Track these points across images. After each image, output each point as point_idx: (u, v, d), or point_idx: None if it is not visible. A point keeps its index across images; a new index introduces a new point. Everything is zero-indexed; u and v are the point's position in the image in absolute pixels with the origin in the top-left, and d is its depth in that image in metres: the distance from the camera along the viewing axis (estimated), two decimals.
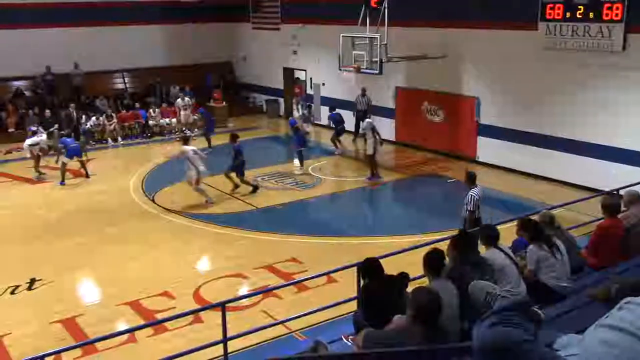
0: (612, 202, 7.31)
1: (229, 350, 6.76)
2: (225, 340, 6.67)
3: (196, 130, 21.70)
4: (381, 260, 6.12)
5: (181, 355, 6.56)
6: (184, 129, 21.69)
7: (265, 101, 25.33)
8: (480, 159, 16.84)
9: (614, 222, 7.05)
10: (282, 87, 24.46)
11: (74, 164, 16.39)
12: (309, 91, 23.06)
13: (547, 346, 2.76)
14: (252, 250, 11.41)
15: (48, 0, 21.81)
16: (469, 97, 17.07)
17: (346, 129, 19.12)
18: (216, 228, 12.72)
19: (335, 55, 17.45)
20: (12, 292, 9.92)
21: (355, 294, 7.18)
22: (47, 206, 14.30)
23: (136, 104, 22.43)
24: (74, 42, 21.89)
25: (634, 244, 6.98)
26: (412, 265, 6.43)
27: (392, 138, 19.01)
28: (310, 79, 22.86)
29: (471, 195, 9.79)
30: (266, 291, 9.12)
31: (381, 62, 15.73)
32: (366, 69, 16.12)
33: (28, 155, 16.63)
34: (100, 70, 23.12)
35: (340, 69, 17.26)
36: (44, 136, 16.83)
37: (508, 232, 7.32)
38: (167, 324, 8.18)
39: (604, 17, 13.20)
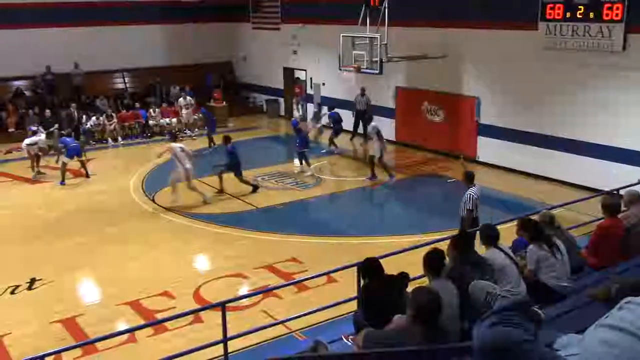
0: (612, 202, 7.32)
1: (229, 350, 6.76)
2: (225, 340, 6.67)
3: (196, 130, 21.70)
4: (381, 260, 6.13)
5: (181, 355, 6.56)
6: (185, 128, 21.70)
7: (266, 101, 25.33)
8: (481, 159, 16.85)
9: (614, 222, 7.05)
10: (282, 87, 24.46)
11: (74, 163, 16.40)
12: (309, 91, 23.06)
13: (547, 346, 2.76)
14: (252, 250, 11.41)
15: (48, 0, 21.81)
16: (469, 97, 17.07)
17: (344, 128, 19.11)
18: (216, 228, 12.72)
19: (335, 55, 17.46)
20: (12, 292, 9.92)
21: (355, 294, 7.18)
22: (47, 206, 14.30)
23: (136, 103, 22.45)
24: (74, 42, 21.89)
25: (634, 244, 6.98)
26: (412, 265, 6.43)
27: (392, 138, 19.00)
28: (311, 78, 22.86)
29: (470, 194, 9.79)
30: (266, 291, 9.12)
31: (381, 62, 15.73)
32: (366, 68, 16.12)
33: (26, 154, 16.63)
34: (101, 70, 23.12)
35: (340, 69, 17.26)
36: (42, 136, 16.83)
37: (508, 232, 7.32)
38: (167, 324, 8.18)
39: (604, 17, 13.20)
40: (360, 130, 19.73)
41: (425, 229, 11.94)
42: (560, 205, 9.96)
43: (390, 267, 6.33)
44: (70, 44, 21.81)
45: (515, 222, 7.34)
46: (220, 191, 14.62)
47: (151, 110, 21.97)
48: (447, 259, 5.73)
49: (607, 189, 10.23)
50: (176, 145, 13.97)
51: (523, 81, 15.46)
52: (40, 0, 21.68)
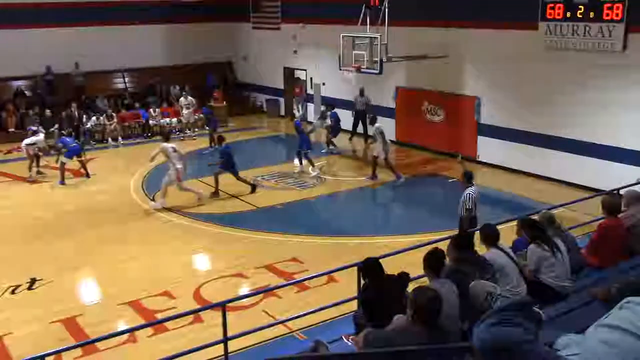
0: (612, 201, 7.31)
1: (229, 350, 6.76)
2: (225, 340, 6.67)
3: (196, 130, 21.71)
4: (381, 260, 6.13)
5: (181, 355, 6.56)
6: (185, 128, 21.72)
7: (266, 101, 25.33)
8: (481, 159, 16.85)
9: (615, 222, 7.05)
10: (282, 87, 24.46)
11: (74, 163, 16.40)
12: (310, 91, 23.06)
13: (548, 346, 2.76)
14: (252, 250, 11.41)
15: (48, 0, 21.82)
16: (469, 96, 17.07)
17: (342, 128, 19.12)
18: (216, 228, 12.72)
19: (335, 54, 17.46)
20: (13, 292, 9.93)
21: (355, 294, 7.18)
22: (47, 206, 14.30)
23: (136, 103, 22.46)
24: (74, 42, 21.89)
25: (634, 244, 6.98)
26: (412, 265, 6.43)
27: (393, 138, 18.98)
28: (311, 78, 22.86)
29: (469, 194, 9.80)
30: (266, 291, 9.12)
31: (381, 61, 15.73)
32: (366, 68, 16.12)
33: (25, 154, 16.63)
34: (101, 70, 23.12)
35: (340, 69, 17.26)
36: (41, 136, 16.82)
37: (508, 232, 7.31)
38: (167, 324, 8.17)
39: (605, 17, 13.20)
40: (360, 130, 19.75)
41: (425, 229, 11.93)
42: (561, 205, 9.95)
43: (390, 267, 6.33)
44: (70, 44, 21.81)
45: (515, 222, 7.34)
46: (216, 193, 14.56)
47: (151, 110, 21.97)
48: (447, 259, 5.73)
49: (607, 189, 10.23)
50: (168, 145, 13.87)
51: (523, 81, 15.46)
52: (41, 0, 21.68)
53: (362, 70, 16.32)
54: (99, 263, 11.05)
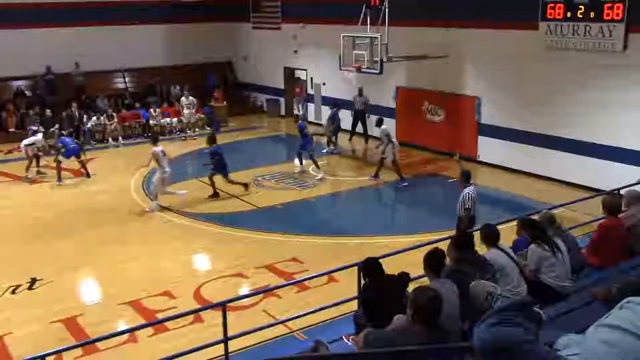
0: (612, 201, 7.31)
1: (230, 350, 6.76)
2: (225, 340, 6.67)
3: (197, 129, 21.71)
4: (381, 260, 6.13)
5: (182, 355, 6.56)
6: (187, 128, 21.73)
7: (266, 101, 25.33)
8: (481, 159, 16.85)
9: (615, 222, 7.05)
10: (282, 87, 24.46)
11: (74, 163, 16.40)
12: (310, 91, 23.06)
13: (548, 346, 2.76)
14: (252, 250, 11.41)
15: (48, 0, 21.82)
16: (469, 96, 17.07)
17: (342, 128, 19.13)
18: (217, 228, 12.72)
19: (335, 54, 17.46)
20: (13, 292, 9.93)
21: (355, 294, 7.18)
22: (47, 206, 14.31)
23: (137, 103, 22.46)
24: (74, 42, 21.89)
25: (634, 244, 6.98)
26: (412, 265, 6.43)
27: (393, 138, 18.97)
28: (311, 78, 22.86)
29: (468, 193, 9.80)
30: (267, 291, 9.12)
31: (382, 61, 15.73)
32: (367, 68, 16.12)
33: (25, 155, 16.64)
34: (101, 69, 23.12)
35: (341, 69, 17.26)
36: (39, 135, 16.82)
37: (508, 232, 7.31)
38: (167, 324, 8.17)
39: (605, 17, 13.20)
40: (359, 129, 19.75)
41: (426, 229, 11.93)
42: (561, 205, 9.95)
43: (391, 267, 6.33)
44: (70, 44, 21.81)
45: (515, 222, 7.34)
46: (215, 194, 14.52)
47: (152, 110, 21.97)
48: (448, 259, 5.73)
49: (607, 189, 10.22)
50: (158, 149, 13.82)
51: (524, 81, 15.46)
52: (41, 0, 21.69)
53: (363, 70, 16.32)
54: (99, 263, 11.05)
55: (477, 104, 16.83)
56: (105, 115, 20.96)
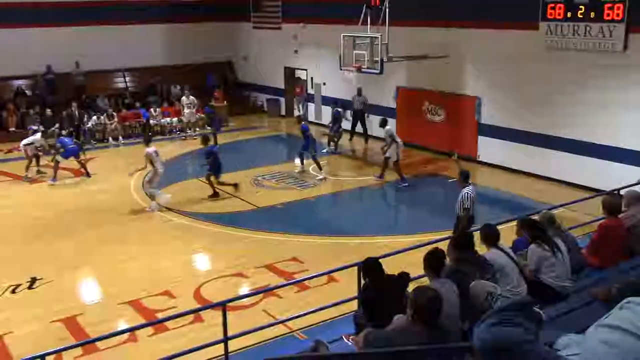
0: (613, 201, 7.30)
1: (230, 349, 6.76)
2: (225, 339, 6.67)
3: (197, 129, 21.71)
4: (381, 260, 6.13)
5: (182, 354, 6.57)
6: (187, 128, 21.73)
7: (266, 100, 25.33)
8: (481, 159, 16.85)
9: (615, 222, 7.04)
10: (283, 87, 24.46)
11: (74, 163, 16.39)
12: (310, 91, 23.06)
13: (548, 346, 2.76)
14: (252, 250, 11.41)
15: (49, 0, 21.82)
16: (469, 96, 17.07)
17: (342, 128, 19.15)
18: (216, 227, 12.72)
19: (336, 54, 17.46)
20: (13, 291, 9.93)
21: (355, 294, 7.19)
22: (47, 205, 14.31)
23: (137, 103, 22.46)
24: (74, 42, 21.90)
25: (634, 244, 6.98)
26: (412, 265, 6.43)
27: None
28: (312, 78, 22.86)
29: (467, 193, 9.81)
30: (267, 291, 9.12)
31: (382, 61, 15.73)
32: (367, 68, 16.11)
33: (24, 155, 16.63)
34: (101, 69, 23.13)
35: (341, 69, 17.26)
36: (37, 135, 16.82)
37: (508, 232, 7.32)
38: (167, 324, 8.17)
39: (605, 17, 13.20)
40: (359, 129, 19.75)
41: (426, 228, 11.94)
42: (561, 205, 9.95)
43: (391, 267, 6.33)
44: (71, 44, 21.83)
45: (515, 222, 7.34)
46: (215, 194, 14.50)
47: (152, 109, 21.98)
48: (448, 259, 5.73)
49: (607, 189, 10.22)
50: (151, 150, 13.81)
51: (524, 81, 15.46)
52: (41, 0, 21.69)
53: (363, 70, 16.32)
54: (99, 262, 11.05)
55: (477, 104, 16.83)
56: (105, 114, 20.97)
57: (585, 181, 13.94)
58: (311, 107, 23.16)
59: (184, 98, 21.88)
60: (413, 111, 18.74)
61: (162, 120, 21.88)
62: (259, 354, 7.12)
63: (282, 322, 8.05)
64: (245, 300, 9.01)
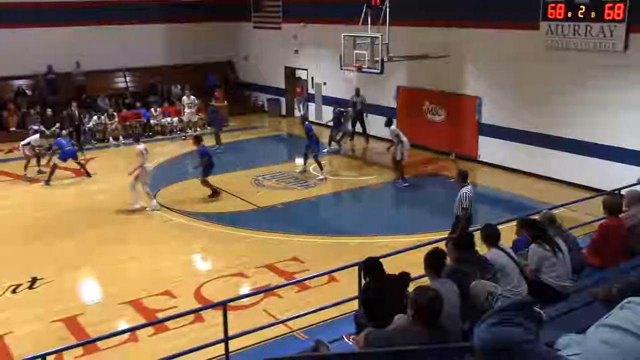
0: (613, 201, 7.30)
1: (230, 349, 6.77)
2: (226, 339, 6.67)
3: (198, 129, 21.71)
4: (382, 260, 6.13)
5: (182, 354, 6.57)
6: (187, 128, 21.73)
7: (267, 100, 25.33)
8: (482, 159, 16.85)
9: (616, 222, 7.04)
10: (283, 87, 24.46)
11: (74, 163, 16.40)
12: (311, 90, 23.07)
13: (549, 346, 2.76)
14: (253, 250, 11.41)
15: (49, 0, 21.82)
16: (470, 96, 17.06)
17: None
18: (217, 227, 12.72)
19: (336, 54, 17.46)
20: (14, 291, 9.93)
21: (356, 294, 7.19)
22: (47, 206, 14.31)
23: (137, 103, 22.47)
24: (75, 42, 21.91)
25: (635, 244, 6.98)
26: (413, 265, 6.43)
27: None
28: (312, 78, 22.86)
29: (465, 192, 9.82)
30: (267, 290, 9.12)
31: (382, 61, 15.73)
32: (368, 68, 16.11)
33: (22, 155, 16.63)
34: (102, 69, 23.14)
35: (341, 69, 17.26)
36: (36, 135, 16.82)
37: (508, 232, 7.32)
38: (168, 323, 8.17)
39: (606, 17, 13.19)
40: (358, 129, 19.75)
41: (426, 228, 11.93)
42: (561, 205, 9.96)
43: (391, 266, 6.33)
44: (71, 44, 21.83)
45: (515, 222, 7.34)
46: (215, 194, 14.44)
47: (152, 109, 21.98)
48: (448, 258, 5.73)
49: (608, 189, 10.22)
50: (142, 147, 13.75)
51: (524, 81, 15.46)
52: (42, 0, 21.69)
53: (363, 69, 16.32)
54: (99, 262, 11.05)
55: (478, 103, 16.83)
56: (106, 114, 20.97)
57: (586, 181, 13.94)
58: (312, 106, 23.16)
59: (184, 98, 21.88)
60: (413, 111, 18.74)
61: (163, 120, 21.89)
62: (259, 353, 7.12)
63: (282, 322, 8.05)
64: (245, 300, 9.01)
